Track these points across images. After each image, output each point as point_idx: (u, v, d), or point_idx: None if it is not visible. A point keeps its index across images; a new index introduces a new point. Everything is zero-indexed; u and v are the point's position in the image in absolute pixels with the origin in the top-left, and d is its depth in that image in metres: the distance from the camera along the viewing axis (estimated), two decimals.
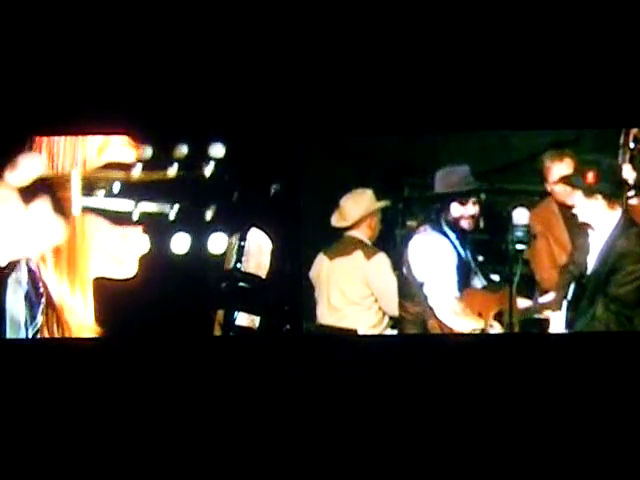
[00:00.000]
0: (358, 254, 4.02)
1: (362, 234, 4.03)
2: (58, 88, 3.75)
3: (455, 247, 3.96)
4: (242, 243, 3.20)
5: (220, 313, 3.21)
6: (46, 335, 3.19)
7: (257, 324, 3.23)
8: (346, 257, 4.02)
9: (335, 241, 4.05)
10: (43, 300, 3.12)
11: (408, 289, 3.97)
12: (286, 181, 3.75)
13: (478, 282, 3.99)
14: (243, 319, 3.21)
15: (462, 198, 3.94)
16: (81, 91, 3.75)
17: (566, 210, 3.95)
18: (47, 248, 3.02)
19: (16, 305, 3.13)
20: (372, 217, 4.02)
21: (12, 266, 3.04)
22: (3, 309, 3.20)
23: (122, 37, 3.75)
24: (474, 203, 3.96)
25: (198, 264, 2.78)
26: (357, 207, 3.99)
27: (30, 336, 3.18)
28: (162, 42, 3.76)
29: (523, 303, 3.94)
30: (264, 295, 3.22)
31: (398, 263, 3.99)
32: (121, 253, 3.23)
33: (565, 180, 3.90)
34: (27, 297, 3.11)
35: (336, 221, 4.02)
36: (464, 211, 3.96)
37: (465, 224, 3.96)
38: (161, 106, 3.75)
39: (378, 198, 4.00)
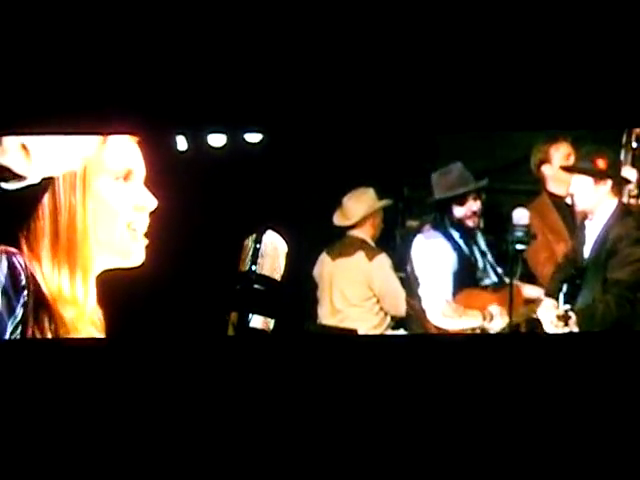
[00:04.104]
0: (360, 255, 4.00)
1: (364, 233, 4.02)
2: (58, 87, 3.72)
3: (459, 247, 3.97)
4: (257, 245, 3.17)
5: (234, 315, 3.19)
6: (30, 328, 3.22)
7: (271, 326, 3.21)
8: (348, 258, 4.01)
9: (338, 240, 4.03)
10: (25, 294, 3.15)
11: (412, 287, 3.98)
12: (288, 180, 3.76)
13: (488, 280, 3.99)
14: (257, 321, 3.18)
15: (460, 198, 3.94)
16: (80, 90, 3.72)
17: (559, 201, 3.98)
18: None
19: None
20: (375, 216, 4.01)
21: None
22: None
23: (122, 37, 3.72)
24: (474, 199, 3.97)
25: None
26: (360, 206, 3.97)
27: (10, 329, 3.21)
28: (165, 41, 3.74)
29: (529, 291, 3.94)
30: (279, 297, 3.20)
31: (403, 261, 3.99)
32: (127, 243, 3.25)
33: (571, 168, 3.90)
34: (4, 292, 3.16)
35: (338, 220, 3.99)
36: (466, 210, 3.98)
37: (470, 222, 3.98)
38: (164, 104, 3.72)
39: (380, 197, 3.98)
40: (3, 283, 3.15)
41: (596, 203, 3.86)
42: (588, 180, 3.85)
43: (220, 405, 3.70)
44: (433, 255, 3.98)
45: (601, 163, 3.81)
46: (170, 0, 3.74)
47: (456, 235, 3.99)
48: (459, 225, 3.98)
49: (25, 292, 3.15)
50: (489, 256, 3.99)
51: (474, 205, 3.98)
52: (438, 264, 3.97)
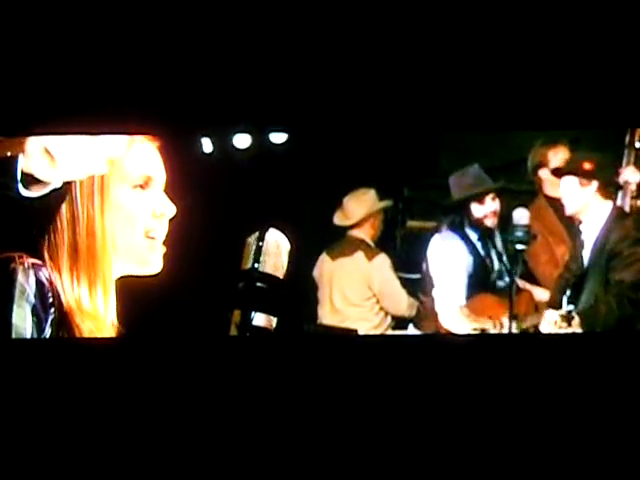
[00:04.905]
0: (359, 255, 4.02)
1: (364, 234, 4.03)
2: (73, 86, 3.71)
3: (476, 249, 3.98)
4: (260, 243, 3.16)
5: (237, 313, 3.17)
6: None
7: (274, 324, 3.20)
8: (347, 258, 4.02)
9: (338, 240, 4.04)
10: (52, 311, 3.05)
11: (427, 287, 4.01)
12: (290, 180, 3.76)
13: (502, 283, 3.98)
14: (260, 319, 3.17)
15: (479, 197, 3.96)
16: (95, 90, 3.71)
17: (557, 203, 3.98)
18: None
19: (22, 321, 3.04)
20: (375, 217, 4.03)
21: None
22: (9, 323, 3.06)
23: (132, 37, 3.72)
24: (492, 199, 3.98)
25: None
26: (360, 206, 3.99)
27: None
28: (170, 40, 3.73)
29: (541, 295, 3.95)
30: (281, 295, 3.19)
31: (403, 262, 4.00)
32: (145, 252, 3.21)
33: (558, 170, 3.92)
34: (34, 312, 3.04)
35: (339, 220, 4.01)
36: (485, 209, 3.99)
37: (489, 222, 4.00)
38: (170, 104, 3.72)
39: (381, 198, 3.99)
40: (33, 303, 3.01)
41: (583, 205, 3.88)
42: (574, 181, 3.86)
43: (222, 404, 3.69)
44: (450, 257, 3.99)
45: (587, 165, 3.83)
46: (193, 2, 3.74)
47: (474, 237, 4.01)
48: (477, 226, 3.99)
49: (52, 309, 3.04)
50: (505, 258, 3.99)
51: (493, 205, 3.99)
52: (454, 267, 3.99)
